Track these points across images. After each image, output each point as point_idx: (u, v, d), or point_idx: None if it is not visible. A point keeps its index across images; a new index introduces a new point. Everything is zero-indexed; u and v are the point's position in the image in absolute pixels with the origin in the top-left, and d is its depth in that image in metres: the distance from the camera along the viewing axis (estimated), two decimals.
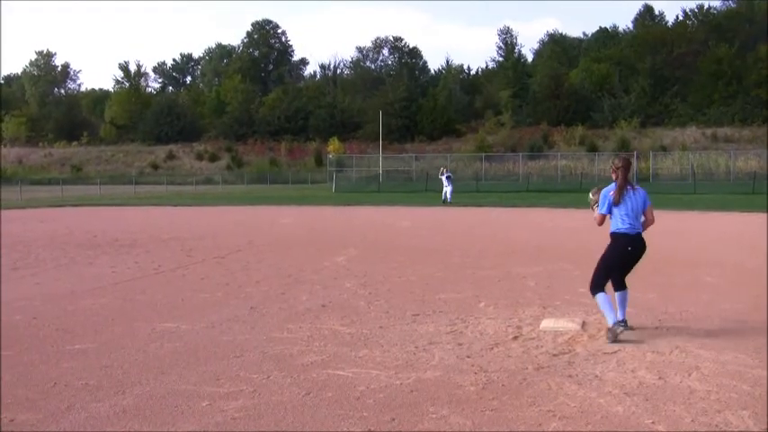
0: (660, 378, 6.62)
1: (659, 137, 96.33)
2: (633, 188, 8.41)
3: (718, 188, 51.28)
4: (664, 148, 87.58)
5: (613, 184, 8.45)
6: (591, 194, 8.81)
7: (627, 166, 8.47)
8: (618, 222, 8.33)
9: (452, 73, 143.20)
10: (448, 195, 38.50)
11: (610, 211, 8.41)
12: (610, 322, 8.12)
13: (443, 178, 39.37)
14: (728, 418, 5.58)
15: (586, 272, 12.79)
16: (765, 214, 26.29)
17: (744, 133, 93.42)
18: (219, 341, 8.08)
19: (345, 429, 5.39)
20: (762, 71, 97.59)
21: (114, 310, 9.86)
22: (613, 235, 8.39)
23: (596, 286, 8.27)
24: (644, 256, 8.43)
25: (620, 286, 8.51)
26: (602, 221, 8.57)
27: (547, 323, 8.78)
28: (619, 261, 8.38)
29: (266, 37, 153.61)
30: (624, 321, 8.35)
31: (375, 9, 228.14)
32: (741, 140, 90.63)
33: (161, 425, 5.51)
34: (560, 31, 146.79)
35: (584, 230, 22.09)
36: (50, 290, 11.67)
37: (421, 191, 53.49)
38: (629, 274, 8.55)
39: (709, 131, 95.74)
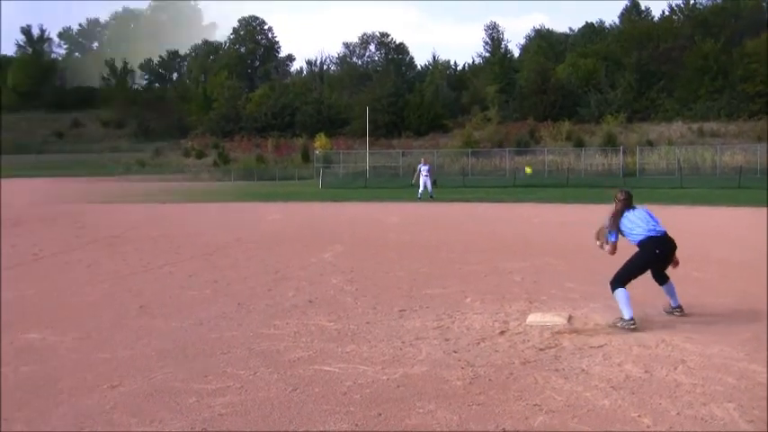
0: (646, 371, 6.66)
1: (645, 132, 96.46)
2: (632, 207, 8.89)
3: (704, 183, 51.34)
4: (650, 143, 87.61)
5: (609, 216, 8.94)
6: (596, 238, 9.19)
7: (628, 198, 8.88)
8: (636, 233, 8.68)
9: (439, 69, 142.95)
10: (428, 189, 37.05)
11: (617, 236, 8.85)
12: (626, 316, 8.28)
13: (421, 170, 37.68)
14: (714, 411, 5.62)
15: (573, 266, 12.96)
16: (754, 209, 26.40)
17: (730, 128, 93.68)
18: (207, 338, 8.08)
19: (332, 424, 5.41)
20: (748, 66, 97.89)
21: (102, 308, 9.83)
22: (640, 243, 8.67)
23: (616, 282, 8.49)
24: (630, 252, 8.60)
25: (662, 281, 8.97)
26: (613, 250, 8.91)
27: (533, 318, 8.79)
28: (647, 265, 8.70)
29: (253, 33, 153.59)
30: (679, 307, 8.92)
31: (361, 5, 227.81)
32: (727, 135, 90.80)
33: (149, 422, 5.52)
34: (547, 27, 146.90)
35: (572, 225, 22.20)
36: (37, 285, 11.62)
37: (408, 186, 53.29)
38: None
39: (695, 126, 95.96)
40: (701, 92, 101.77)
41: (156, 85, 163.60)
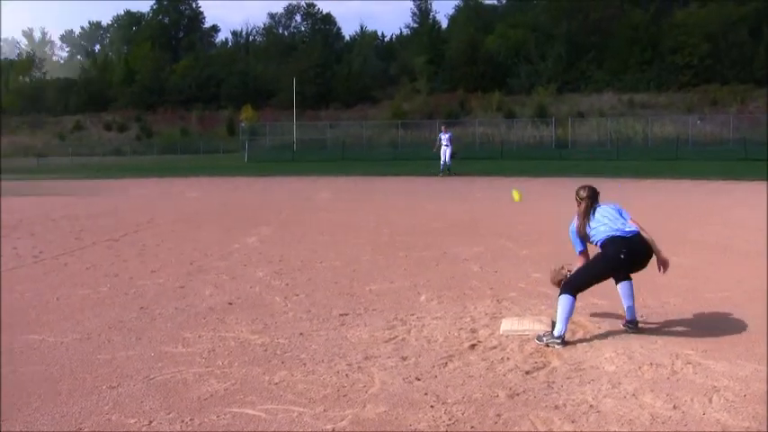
0: (675, 407, 4.96)
1: (576, 103, 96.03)
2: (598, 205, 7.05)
3: (639, 155, 50.56)
4: (581, 115, 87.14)
5: (575, 217, 7.04)
6: (553, 282, 7.14)
7: (593, 196, 7.02)
8: (600, 231, 6.82)
9: (366, 39, 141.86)
10: (447, 161, 33.35)
11: (585, 245, 7.03)
12: (557, 331, 6.50)
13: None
14: None
15: (535, 251, 11.30)
16: (702, 181, 25.52)
17: (660, 99, 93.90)
18: (93, 361, 6.13)
19: None
20: (677, 37, 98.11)
21: None
22: (602, 244, 6.81)
23: (567, 286, 6.65)
24: None
25: (624, 279, 6.98)
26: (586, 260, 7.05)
27: (507, 324, 7.05)
28: (608, 271, 6.85)
29: (176, 3, 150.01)
30: (634, 322, 6.89)
31: None
32: (657, 106, 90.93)
33: None
34: None
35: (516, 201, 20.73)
36: None
37: (337, 159, 51.88)
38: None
39: (625, 97, 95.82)
40: (630, 62, 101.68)
41: (78, 57, 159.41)
